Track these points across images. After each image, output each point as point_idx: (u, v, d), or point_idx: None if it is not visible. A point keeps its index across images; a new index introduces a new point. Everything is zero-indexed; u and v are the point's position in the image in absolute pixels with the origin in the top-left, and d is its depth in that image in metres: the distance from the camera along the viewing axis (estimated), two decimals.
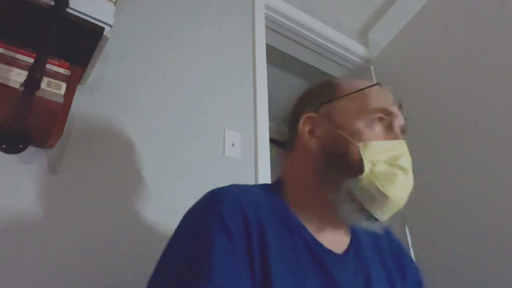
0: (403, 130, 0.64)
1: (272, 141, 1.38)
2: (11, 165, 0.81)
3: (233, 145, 1.18)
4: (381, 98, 0.63)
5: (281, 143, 2.34)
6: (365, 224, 0.59)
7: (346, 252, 0.62)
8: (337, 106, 0.64)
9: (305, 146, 0.65)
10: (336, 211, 0.59)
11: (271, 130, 1.36)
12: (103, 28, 0.79)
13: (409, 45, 1.74)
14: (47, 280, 0.75)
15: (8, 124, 0.79)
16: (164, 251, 0.56)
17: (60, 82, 0.78)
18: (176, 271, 0.51)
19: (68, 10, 0.75)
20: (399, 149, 0.60)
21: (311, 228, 0.61)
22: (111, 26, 0.81)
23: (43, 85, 0.74)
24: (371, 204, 0.57)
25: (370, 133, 0.59)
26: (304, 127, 0.66)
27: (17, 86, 0.73)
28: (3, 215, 0.76)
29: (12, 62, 0.74)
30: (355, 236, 0.67)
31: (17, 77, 0.73)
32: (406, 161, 0.59)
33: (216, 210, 0.54)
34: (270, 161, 1.24)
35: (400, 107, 0.64)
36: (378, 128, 0.61)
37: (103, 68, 1.01)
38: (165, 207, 0.95)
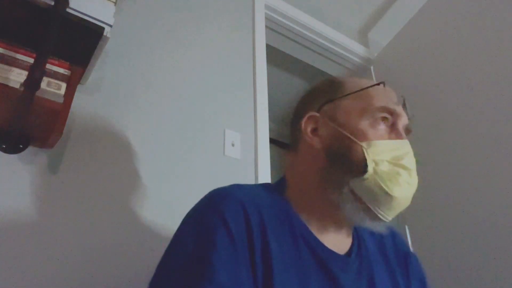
0: (408, 130, 0.63)
1: (272, 141, 1.38)
2: (11, 165, 0.81)
3: (233, 145, 1.18)
4: (385, 97, 0.62)
5: (281, 143, 2.34)
6: (369, 225, 0.59)
7: (348, 253, 0.62)
8: (340, 105, 0.64)
9: (308, 145, 0.65)
10: (340, 211, 0.59)
11: (271, 130, 1.36)
12: (103, 28, 0.79)
13: (409, 45, 1.74)
14: (47, 280, 0.75)
15: (8, 124, 0.79)
16: (165, 251, 0.56)
17: (60, 82, 0.78)
18: (178, 271, 0.51)
19: (68, 10, 0.75)
20: (403, 148, 0.59)
21: (313, 228, 0.60)
22: (111, 26, 0.81)
23: (43, 85, 0.74)
24: (375, 204, 0.56)
25: (373, 133, 0.59)
26: (306, 126, 0.66)
27: (17, 86, 0.73)
28: (3, 214, 0.76)
29: (12, 62, 0.74)
30: (358, 236, 0.66)
31: (17, 77, 0.73)
32: (409, 160, 0.58)
33: (218, 210, 0.54)
34: (270, 161, 1.24)
35: (404, 106, 0.63)
36: (381, 128, 0.60)
37: (103, 68, 1.01)
38: (165, 207, 0.95)
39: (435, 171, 1.45)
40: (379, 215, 0.56)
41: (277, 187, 0.67)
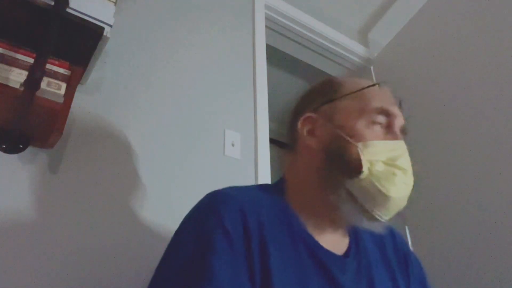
0: (404, 131, 0.63)
1: (272, 141, 1.38)
2: (11, 165, 0.81)
3: (233, 145, 1.18)
4: (381, 98, 0.63)
5: (281, 143, 2.34)
6: (367, 225, 0.59)
7: (346, 253, 0.62)
8: (337, 106, 0.64)
9: (305, 146, 0.65)
10: (337, 212, 0.59)
11: (271, 130, 1.36)
12: (103, 28, 0.79)
13: (409, 45, 1.74)
14: (46, 280, 0.75)
15: (8, 124, 0.79)
16: (164, 253, 0.56)
17: (60, 82, 0.78)
18: (177, 274, 0.51)
19: (68, 10, 0.75)
20: (398, 149, 0.59)
21: (311, 228, 0.60)
22: (111, 26, 0.81)
23: (43, 85, 0.74)
24: (371, 204, 0.56)
25: (369, 133, 0.59)
26: (303, 127, 0.66)
27: (17, 86, 0.73)
28: (3, 214, 0.76)
29: (12, 62, 0.74)
30: (356, 236, 0.66)
31: (17, 77, 0.73)
32: (405, 161, 0.59)
33: (216, 213, 0.54)
34: (270, 161, 1.24)
35: (400, 106, 0.64)
36: (377, 129, 0.60)
37: (103, 68, 1.01)
38: (165, 207, 0.95)
39: (435, 171, 1.45)
40: (375, 215, 0.56)
41: (275, 188, 0.67)
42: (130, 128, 1.00)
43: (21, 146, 0.82)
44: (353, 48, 1.92)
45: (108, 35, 0.80)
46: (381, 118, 0.61)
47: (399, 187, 0.56)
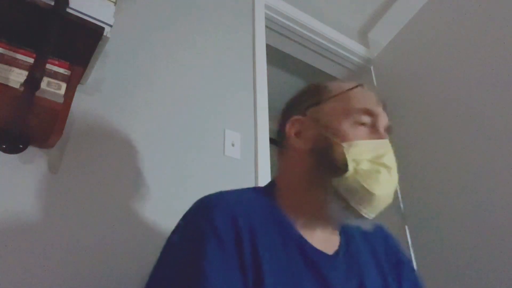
0: (388, 130, 0.66)
1: (272, 141, 1.38)
2: (11, 165, 0.81)
3: (233, 145, 1.18)
4: (365, 99, 0.65)
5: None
6: (354, 222, 0.61)
7: (336, 252, 0.63)
8: (323, 108, 0.66)
9: (293, 148, 0.67)
10: (325, 210, 0.61)
11: (271, 130, 1.35)
12: (103, 28, 0.79)
13: (409, 45, 1.74)
14: (46, 280, 0.75)
15: (8, 124, 0.79)
16: (158, 259, 0.57)
17: (60, 82, 0.78)
18: (171, 279, 0.52)
19: (68, 10, 0.75)
20: (383, 148, 0.61)
21: (302, 229, 0.62)
22: (111, 26, 0.81)
23: (43, 85, 0.74)
24: (357, 202, 0.58)
25: (354, 133, 0.61)
26: (291, 129, 0.68)
27: (17, 86, 0.73)
28: (3, 214, 0.76)
29: (12, 62, 0.74)
30: (347, 236, 0.67)
31: (17, 77, 0.73)
32: (389, 159, 0.61)
33: (207, 218, 0.55)
34: (270, 161, 1.24)
35: (384, 107, 0.66)
36: (362, 128, 0.63)
37: (103, 68, 1.01)
38: (165, 207, 0.95)
39: (435, 171, 1.45)
40: (361, 212, 0.58)
41: (266, 191, 0.69)
42: (130, 128, 1.00)
43: (21, 146, 0.82)
44: (353, 48, 1.92)
45: (108, 35, 0.80)
46: (366, 118, 0.63)
47: (383, 185, 0.58)
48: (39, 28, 0.72)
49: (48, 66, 0.75)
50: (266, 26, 1.60)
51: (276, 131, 0.74)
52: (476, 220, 1.26)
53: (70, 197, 0.84)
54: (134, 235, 0.88)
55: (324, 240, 0.63)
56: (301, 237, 0.60)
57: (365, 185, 0.57)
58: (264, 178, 1.17)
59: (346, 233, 0.68)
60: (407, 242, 1.47)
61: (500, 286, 1.15)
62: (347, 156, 0.59)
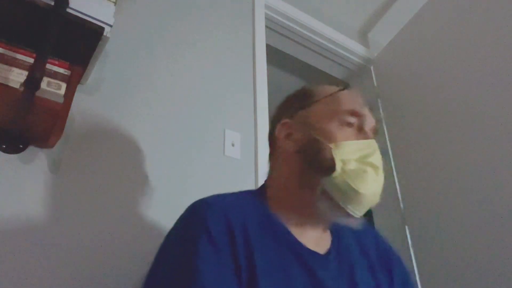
0: (375, 131, 0.68)
1: None
2: (11, 165, 0.81)
3: (233, 145, 1.18)
4: (351, 101, 0.67)
5: None
6: (343, 221, 0.63)
7: (328, 252, 0.65)
8: (311, 110, 0.69)
9: (283, 150, 0.69)
10: (315, 210, 0.62)
11: None
12: (103, 28, 0.79)
13: (409, 45, 1.74)
14: (47, 280, 0.75)
15: (8, 124, 0.79)
16: (153, 261, 0.58)
17: (60, 82, 0.78)
18: (166, 279, 0.54)
19: (68, 10, 0.75)
20: (370, 148, 0.63)
21: (293, 229, 0.63)
22: (111, 26, 0.81)
23: (43, 85, 0.74)
24: (344, 200, 0.60)
25: (341, 134, 0.63)
26: (280, 132, 0.70)
27: (17, 86, 0.73)
28: (3, 214, 0.76)
29: (12, 62, 0.74)
30: (339, 236, 0.69)
31: (17, 77, 0.73)
32: (376, 158, 0.62)
33: (200, 219, 0.57)
34: None
35: (370, 109, 0.68)
36: (349, 129, 0.65)
37: (103, 68, 1.01)
38: (165, 207, 0.95)
39: (435, 171, 1.45)
40: (349, 211, 0.60)
41: (257, 193, 0.71)
42: (130, 128, 1.00)
43: (21, 146, 0.82)
44: (353, 48, 1.92)
45: (108, 35, 0.80)
46: (352, 119, 0.65)
47: (369, 184, 0.59)
48: (39, 28, 0.72)
49: (48, 66, 0.75)
50: (266, 26, 1.60)
51: (268, 135, 0.76)
52: (476, 220, 1.26)
53: (70, 197, 0.84)
54: (133, 235, 0.88)
55: (315, 240, 0.65)
56: (293, 237, 0.62)
57: (353, 185, 0.59)
58: (264, 178, 1.17)
59: (337, 233, 0.69)
60: (407, 242, 1.47)
61: (500, 286, 1.15)
62: (334, 156, 0.60)
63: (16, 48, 0.76)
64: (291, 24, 1.74)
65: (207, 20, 1.36)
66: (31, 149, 0.84)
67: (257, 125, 1.27)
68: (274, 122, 0.74)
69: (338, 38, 1.87)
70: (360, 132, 0.65)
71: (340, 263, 0.64)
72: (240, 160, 1.17)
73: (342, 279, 0.62)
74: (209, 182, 1.07)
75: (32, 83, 0.69)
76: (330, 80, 2.12)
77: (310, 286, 0.57)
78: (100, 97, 0.99)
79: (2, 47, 0.75)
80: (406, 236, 1.48)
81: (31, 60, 0.75)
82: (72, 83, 0.80)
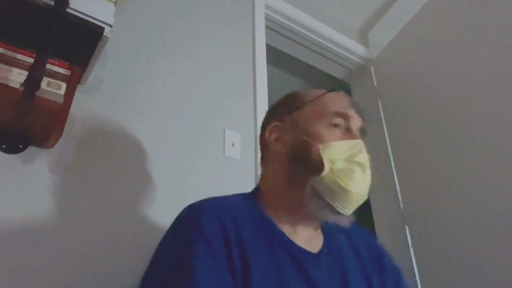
0: (362, 132, 0.70)
1: None
2: (11, 165, 0.81)
3: (233, 145, 1.18)
4: (337, 103, 0.70)
5: None
6: (333, 219, 0.64)
7: (320, 251, 0.66)
8: (299, 113, 0.71)
9: (273, 152, 0.72)
10: (306, 209, 0.64)
11: None
12: (103, 28, 0.79)
13: (409, 45, 1.74)
14: (47, 280, 0.75)
15: (8, 124, 0.79)
16: (149, 264, 0.59)
17: (60, 82, 0.78)
18: (161, 279, 0.55)
19: (68, 10, 0.75)
20: (357, 147, 0.65)
21: (286, 229, 0.65)
22: (111, 26, 0.81)
23: (43, 85, 0.74)
24: (333, 198, 0.62)
25: (329, 135, 0.66)
26: (270, 135, 0.73)
27: (17, 86, 0.73)
28: (2, 214, 0.76)
29: (12, 62, 0.74)
30: (331, 237, 0.70)
31: (17, 77, 0.73)
32: (363, 157, 0.64)
33: (195, 221, 0.58)
34: None
35: (357, 110, 0.70)
36: (337, 130, 0.67)
37: (103, 68, 1.01)
38: (165, 207, 0.95)
39: (435, 171, 1.45)
40: (338, 209, 0.62)
41: (250, 196, 0.72)
42: (130, 128, 1.00)
43: (21, 146, 0.82)
44: (353, 48, 1.92)
45: (108, 35, 0.80)
46: (339, 120, 0.67)
47: (357, 182, 0.62)
48: (39, 28, 0.72)
49: (48, 66, 0.75)
50: (266, 26, 1.60)
51: (259, 139, 0.78)
52: (476, 220, 1.26)
53: (70, 197, 0.84)
54: (133, 235, 0.88)
55: (307, 239, 0.66)
56: (285, 237, 0.63)
57: (341, 183, 0.61)
58: None
59: (329, 234, 0.71)
60: (407, 242, 1.47)
61: (500, 286, 1.15)
62: (323, 156, 0.63)
63: (16, 48, 0.76)
64: (291, 24, 1.74)
65: (207, 20, 1.36)
66: (31, 149, 0.84)
67: (257, 125, 1.27)
68: (264, 126, 0.77)
69: (338, 38, 1.87)
70: (347, 132, 0.67)
71: (332, 262, 0.66)
72: (240, 160, 1.17)
73: (334, 278, 0.63)
74: (209, 182, 1.07)
75: (32, 83, 0.69)
76: (330, 80, 2.12)
77: (303, 284, 0.59)
78: (100, 97, 0.99)
79: (2, 47, 0.75)
80: (406, 236, 1.48)
81: (31, 60, 0.75)
82: (72, 83, 0.80)
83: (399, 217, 1.54)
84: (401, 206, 1.55)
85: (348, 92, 2.06)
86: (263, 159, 0.76)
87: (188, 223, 0.60)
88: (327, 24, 1.85)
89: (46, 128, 0.79)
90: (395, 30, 1.84)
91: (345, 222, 0.65)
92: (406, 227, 1.50)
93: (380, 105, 1.81)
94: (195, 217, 0.59)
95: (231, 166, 1.15)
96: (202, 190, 1.04)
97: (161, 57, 1.17)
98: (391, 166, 1.64)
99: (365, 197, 0.64)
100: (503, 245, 1.17)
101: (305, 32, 1.78)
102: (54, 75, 0.78)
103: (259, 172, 1.17)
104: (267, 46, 1.54)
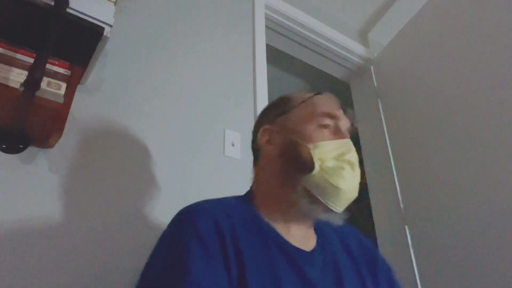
0: (351, 131, 0.72)
1: None
2: (11, 165, 0.81)
3: (233, 145, 1.18)
4: (326, 104, 0.72)
5: None
6: (325, 217, 0.66)
7: (313, 249, 0.67)
8: (289, 116, 0.73)
9: (265, 154, 0.74)
10: (298, 208, 0.66)
11: None
12: (103, 28, 0.79)
13: (409, 45, 1.74)
14: (47, 280, 0.75)
15: (8, 124, 0.79)
16: (144, 265, 0.60)
17: (60, 82, 0.78)
18: (157, 277, 0.56)
19: (68, 10, 0.75)
20: (345, 146, 0.68)
21: (279, 228, 0.66)
22: (111, 26, 0.81)
23: (43, 85, 0.74)
24: (325, 197, 0.63)
25: (318, 135, 0.68)
26: (262, 137, 0.75)
27: (17, 86, 0.73)
28: (2, 215, 0.76)
29: (12, 62, 0.74)
30: (324, 236, 0.72)
31: (17, 77, 0.73)
32: (352, 156, 0.67)
33: (190, 222, 0.60)
34: None
35: (345, 111, 0.73)
36: (326, 130, 0.69)
37: (103, 68, 1.01)
38: (165, 207, 0.95)
39: (435, 171, 1.45)
40: (329, 206, 0.64)
41: (245, 197, 0.74)
42: (130, 128, 1.00)
43: (21, 146, 0.82)
44: (353, 48, 1.92)
45: (108, 35, 0.80)
46: (328, 121, 0.69)
47: (347, 180, 0.64)
48: (39, 28, 0.72)
49: (48, 66, 0.75)
50: (266, 26, 1.60)
51: (252, 142, 0.79)
52: (476, 220, 1.26)
53: (70, 197, 0.84)
54: (133, 234, 0.88)
55: (301, 238, 0.68)
56: (279, 236, 0.65)
57: (332, 181, 0.63)
58: None
59: (322, 232, 0.72)
60: (407, 242, 1.47)
61: (500, 286, 1.15)
62: (313, 155, 0.64)
63: (16, 48, 0.76)
64: (291, 24, 1.74)
65: (207, 20, 1.36)
66: (31, 149, 0.84)
67: None
68: (256, 129, 0.78)
69: (338, 38, 1.87)
70: (336, 132, 0.69)
71: (325, 259, 0.67)
72: (240, 160, 1.17)
73: (328, 276, 0.64)
74: (209, 182, 1.07)
75: (32, 83, 0.69)
76: (330, 80, 2.12)
77: (297, 282, 0.60)
78: (100, 97, 0.99)
79: (2, 47, 0.75)
80: (406, 236, 1.48)
81: (31, 60, 0.75)
82: (72, 83, 0.80)
83: (399, 217, 1.54)
84: (401, 206, 1.55)
85: (348, 92, 2.06)
86: (255, 161, 0.78)
87: (183, 224, 0.61)
88: (327, 24, 1.85)
89: (46, 128, 0.79)
90: (395, 30, 1.84)
91: (337, 220, 0.66)
92: (406, 227, 1.50)
93: (380, 105, 1.81)
94: (190, 217, 0.61)
95: (231, 166, 1.15)
96: (202, 190, 1.04)
97: (161, 57, 1.17)
98: (391, 166, 1.64)
99: (355, 195, 0.66)
100: (503, 245, 1.17)
101: (305, 32, 1.78)
102: (54, 75, 0.78)
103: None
104: (267, 46, 1.54)
